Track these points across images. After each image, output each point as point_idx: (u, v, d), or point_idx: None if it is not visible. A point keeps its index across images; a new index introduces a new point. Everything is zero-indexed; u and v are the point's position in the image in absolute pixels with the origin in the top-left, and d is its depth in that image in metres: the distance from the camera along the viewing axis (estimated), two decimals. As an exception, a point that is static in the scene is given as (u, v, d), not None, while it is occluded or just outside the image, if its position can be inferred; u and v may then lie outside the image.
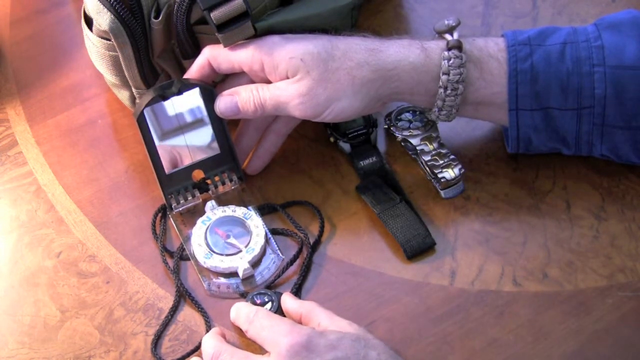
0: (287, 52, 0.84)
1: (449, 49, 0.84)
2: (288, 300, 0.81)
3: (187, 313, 0.84)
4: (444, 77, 0.84)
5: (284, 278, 0.85)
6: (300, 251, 0.86)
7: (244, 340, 0.81)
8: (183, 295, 0.84)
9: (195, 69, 0.87)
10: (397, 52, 0.84)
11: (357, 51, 0.84)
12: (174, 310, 0.83)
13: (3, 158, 0.94)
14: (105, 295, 0.85)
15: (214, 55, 0.87)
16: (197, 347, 0.81)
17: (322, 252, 0.87)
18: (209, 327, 0.82)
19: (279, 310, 0.82)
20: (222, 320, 0.83)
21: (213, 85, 0.89)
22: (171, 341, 0.82)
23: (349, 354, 0.74)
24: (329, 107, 0.84)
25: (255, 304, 0.82)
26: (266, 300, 0.82)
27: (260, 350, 0.78)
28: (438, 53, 0.84)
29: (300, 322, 0.80)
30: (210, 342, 0.79)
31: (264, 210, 0.89)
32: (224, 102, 0.87)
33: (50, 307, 0.84)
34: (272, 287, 0.85)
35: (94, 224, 0.89)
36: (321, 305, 0.80)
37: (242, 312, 0.81)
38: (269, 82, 0.86)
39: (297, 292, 0.84)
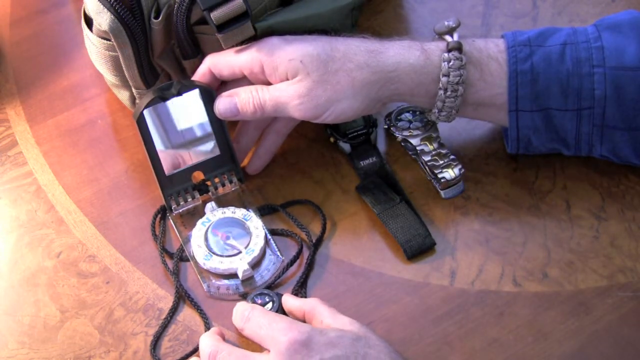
0: (286, 54, 0.84)
1: (449, 51, 0.84)
2: (290, 300, 0.81)
3: (187, 313, 0.84)
4: (444, 79, 0.84)
5: (285, 279, 0.85)
6: (300, 252, 0.86)
7: (243, 341, 0.81)
8: (182, 296, 0.84)
9: (197, 79, 0.88)
10: (397, 53, 0.84)
11: (357, 53, 0.84)
12: (173, 312, 0.83)
13: (3, 158, 0.94)
14: (105, 296, 0.85)
15: (214, 63, 0.87)
16: (197, 348, 0.81)
17: (322, 252, 0.87)
18: (208, 329, 0.82)
19: (279, 311, 0.81)
20: (222, 321, 0.83)
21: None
22: (171, 341, 0.82)
23: (349, 353, 0.74)
24: (329, 108, 0.84)
25: (255, 304, 0.82)
26: (267, 300, 0.82)
27: (259, 350, 0.78)
28: (438, 55, 0.84)
29: (303, 320, 0.80)
30: (208, 341, 0.79)
31: (264, 211, 0.89)
32: (223, 103, 0.87)
33: (50, 307, 0.84)
34: (273, 288, 0.85)
35: (94, 224, 0.89)
36: (323, 302, 0.80)
37: (237, 311, 0.81)
38: (269, 84, 0.86)
39: (302, 287, 0.84)
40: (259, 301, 0.82)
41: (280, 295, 0.82)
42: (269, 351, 0.76)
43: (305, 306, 0.80)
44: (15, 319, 0.84)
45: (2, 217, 0.90)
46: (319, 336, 0.75)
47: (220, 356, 0.77)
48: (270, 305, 0.82)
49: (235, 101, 0.86)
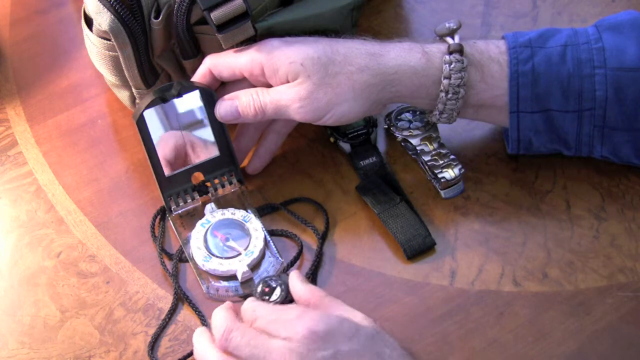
0: (287, 56, 0.84)
1: (450, 53, 0.84)
2: (297, 284, 0.78)
3: (187, 313, 0.84)
4: (445, 81, 0.84)
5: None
6: (300, 252, 0.86)
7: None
8: (181, 298, 0.84)
9: (197, 79, 0.87)
10: (397, 56, 0.84)
11: (358, 55, 0.84)
12: (171, 314, 0.83)
13: (3, 158, 0.94)
14: (105, 295, 0.85)
15: (214, 64, 0.87)
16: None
17: (322, 251, 0.87)
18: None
19: (287, 295, 0.78)
20: (222, 321, 0.83)
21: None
22: (171, 341, 0.82)
23: (365, 348, 0.72)
24: (329, 111, 0.84)
25: (263, 292, 0.78)
26: (274, 285, 0.79)
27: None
28: (439, 57, 0.84)
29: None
30: (222, 315, 0.75)
31: (265, 210, 0.89)
32: (224, 107, 0.86)
33: (50, 307, 0.84)
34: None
35: (94, 224, 0.89)
36: (331, 297, 0.77)
37: (244, 311, 0.77)
38: (269, 86, 0.86)
39: (313, 280, 0.84)
40: (267, 289, 0.79)
41: (286, 278, 0.79)
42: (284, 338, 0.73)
43: (313, 298, 0.77)
44: (15, 319, 0.84)
45: (2, 217, 0.90)
46: (336, 327, 0.72)
47: (233, 335, 0.73)
48: (278, 290, 0.78)
49: (236, 104, 0.86)
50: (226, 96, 0.87)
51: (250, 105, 0.85)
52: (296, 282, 0.78)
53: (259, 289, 0.79)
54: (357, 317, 0.75)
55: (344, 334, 0.72)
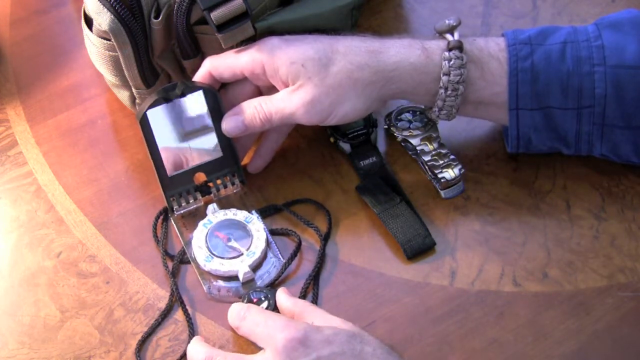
0: (287, 56, 0.84)
1: (449, 50, 0.84)
2: (282, 298, 0.82)
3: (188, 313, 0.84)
4: (444, 78, 0.84)
5: (285, 277, 0.85)
6: (298, 249, 0.86)
7: (243, 341, 0.81)
8: (177, 300, 0.84)
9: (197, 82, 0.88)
10: (397, 52, 0.84)
11: (358, 53, 0.84)
12: (165, 314, 0.83)
13: (3, 158, 0.94)
14: (105, 295, 0.85)
15: (214, 66, 0.87)
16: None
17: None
18: (191, 336, 0.81)
19: (274, 309, 0.82)
20: (222, 321, 0.82)
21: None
22: (171, 341, 0.82)
23: (345, 349, 0.74)
24: (332, 112, 0.85)
25: (251, 301, 0.82)
26: (262, 298, 0.82)
27: (255, 351, 0.78)
28: (439, 54, 0.84)
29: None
30: (199, 348, 0.78)
31: (267, 212, 0.89)
32: (230, 123, 0.87)
33: (50, 307, 0.84)
34: (273, 287, 0.85)
35: (94, 224, 0.89)
36: (313, 305, 0.81)
37: (233, 310, 0.81)
38: (271, 85, 0.86)
39: (315, 283, 0.84)
40: (255, 299, 0.82)
41: (275, 292, 0.82)
42: (265, 349, 0.76)
43: (296, 308, 0.80)
44: (15, 319, 0.83)
45: (2, 217, 0.90)
46: (315, 333, 0.75)
47: None
48: (265, 303, 0.82)
49: (241, 119, 0.86)
50: (230, 112, 0.87)
51: (255, 117, 0.86)
52: (282, 295, 0.82)
53: (247, 299, 0.82)
54: (336, 322, 0.78)
55: (322, 339, 0.75)
